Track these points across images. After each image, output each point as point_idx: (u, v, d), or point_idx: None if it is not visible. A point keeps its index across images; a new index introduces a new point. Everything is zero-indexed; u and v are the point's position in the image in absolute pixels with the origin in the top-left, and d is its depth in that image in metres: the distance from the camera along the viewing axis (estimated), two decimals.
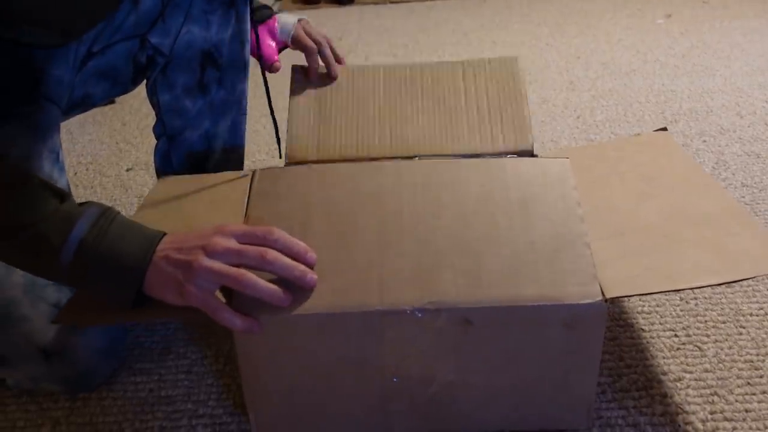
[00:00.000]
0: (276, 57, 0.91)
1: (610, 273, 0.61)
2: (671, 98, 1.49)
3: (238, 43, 0.87)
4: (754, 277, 0.86)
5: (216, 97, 0.89)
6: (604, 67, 1.71)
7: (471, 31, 2.09)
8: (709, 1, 2.22)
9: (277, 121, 0.87)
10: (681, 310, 0.83)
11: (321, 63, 0.88)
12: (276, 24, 0.92)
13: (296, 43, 0.91)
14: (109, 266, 0.57)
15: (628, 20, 2.09)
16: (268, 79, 0.85)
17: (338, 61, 0.90)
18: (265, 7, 0.95)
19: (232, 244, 0.57)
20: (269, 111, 0.85)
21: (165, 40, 0.83)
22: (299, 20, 0.93)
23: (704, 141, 1.27)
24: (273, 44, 0.92)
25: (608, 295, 0.58)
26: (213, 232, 0.58)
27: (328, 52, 0.88)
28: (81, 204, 0.61)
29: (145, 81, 0.89)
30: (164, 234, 0.60)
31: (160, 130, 0.91)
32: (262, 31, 0.91)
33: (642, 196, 0.74)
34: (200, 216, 0.71)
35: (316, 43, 0.89)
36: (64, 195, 0.60)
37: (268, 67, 0.89)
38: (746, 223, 0.68)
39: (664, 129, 0.91)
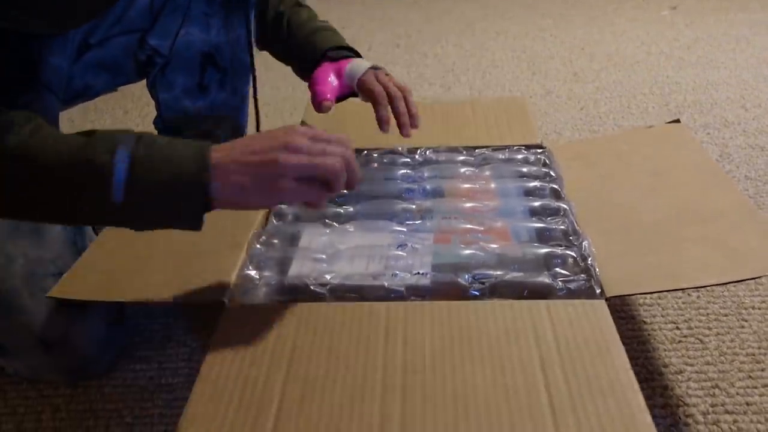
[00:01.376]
0: (329, 95, 0.81)
1: (612, 271, 0.60)
2: (675, 90, 1.48)
3: (242, 46, 0.86)
4: (759, 278, 0.85)
5: (217, 99, 0.88)
6: (609, 58, 1.70)
7: (475, 22, 2.08)
8: None
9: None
10: (683, 303, 0.83)
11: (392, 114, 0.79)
12: (346, 65, 0.82)
13: (363, 91, 0.80)
14: (168, 181, 0.51)
15: (633, 12, 2.08)
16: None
17: (412, 117, 0.78)
18: (349, 49, 0.87)
19: (308, 142, 0.53)
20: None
21: (163, 41, 0.83)
22: (373, 67, 0.82)
23: (708, 133, 1.27)
24: (335, 83, 0.82)
25: (609, 294, 0.57)
26: (284, 133, 0.53)
27: (401, 105, 0.77)
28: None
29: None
30: (210, 142, 0.54)
31: (159, 124, 0.92)
32: (327, 68, 0.83)
33: (649, 191, 0.74)
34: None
35: (388, 94, 0.78)
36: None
37: (317, 104, 0.80)
38: (753, 220, 0.67)
39: (677, 121, 0.90)
